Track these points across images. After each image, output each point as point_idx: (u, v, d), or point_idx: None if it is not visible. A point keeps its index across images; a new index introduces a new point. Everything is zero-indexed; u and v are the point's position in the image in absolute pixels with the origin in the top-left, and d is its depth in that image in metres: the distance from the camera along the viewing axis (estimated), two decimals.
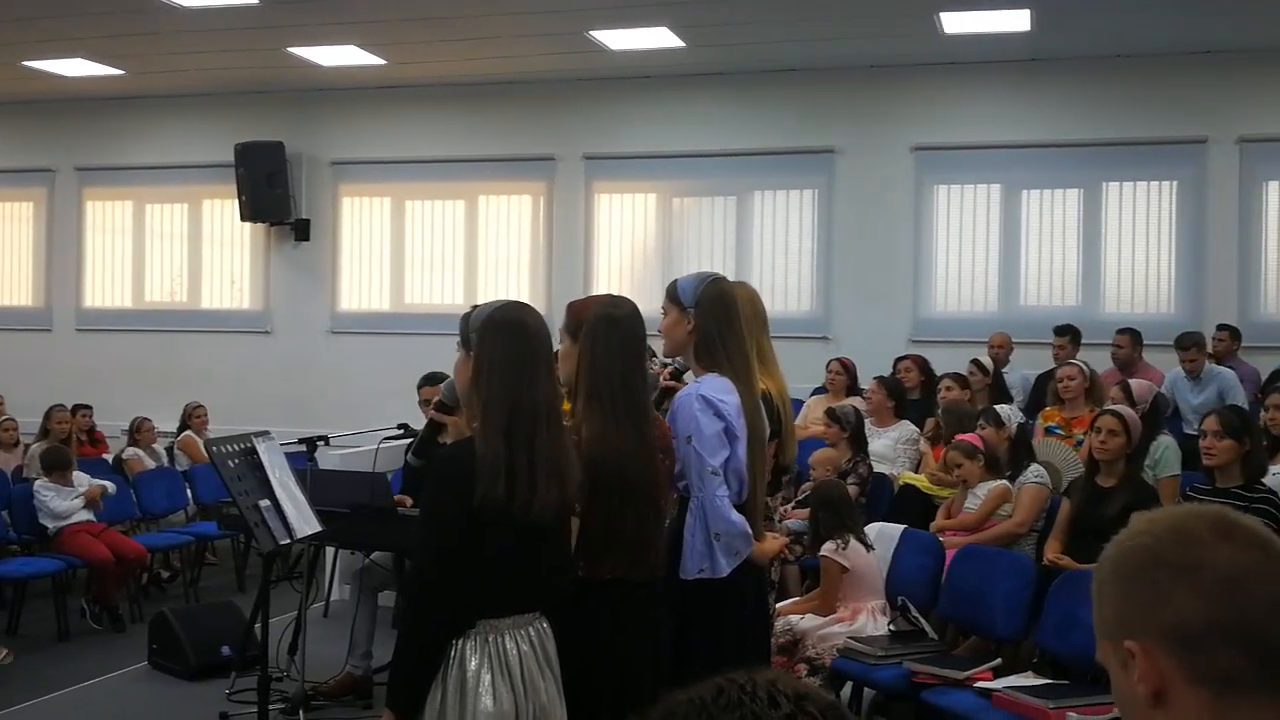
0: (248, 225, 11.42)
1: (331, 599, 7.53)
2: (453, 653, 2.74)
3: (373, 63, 10.14)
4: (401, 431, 6.14)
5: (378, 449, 6.09)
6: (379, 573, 5.99)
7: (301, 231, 11.38)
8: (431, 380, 6.25)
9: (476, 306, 3.00)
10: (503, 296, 3.16)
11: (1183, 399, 8.13)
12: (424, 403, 6.06)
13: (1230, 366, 8.39)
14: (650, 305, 3.65)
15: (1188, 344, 8.16)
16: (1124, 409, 5.71)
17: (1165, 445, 6.26)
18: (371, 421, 7.06)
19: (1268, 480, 5.27)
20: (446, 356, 3.55)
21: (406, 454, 5.25)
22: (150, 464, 9.33)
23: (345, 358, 11.24)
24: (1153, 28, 8.85)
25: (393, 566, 5.91)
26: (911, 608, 5.19)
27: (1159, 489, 5.79)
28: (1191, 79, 9.41)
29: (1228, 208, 9.42)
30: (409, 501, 5.50)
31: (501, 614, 2.79)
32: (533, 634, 2.83)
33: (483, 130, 10.95)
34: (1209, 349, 8.47)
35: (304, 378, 11.24)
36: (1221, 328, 8.85)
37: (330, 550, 7.22)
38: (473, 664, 2.73)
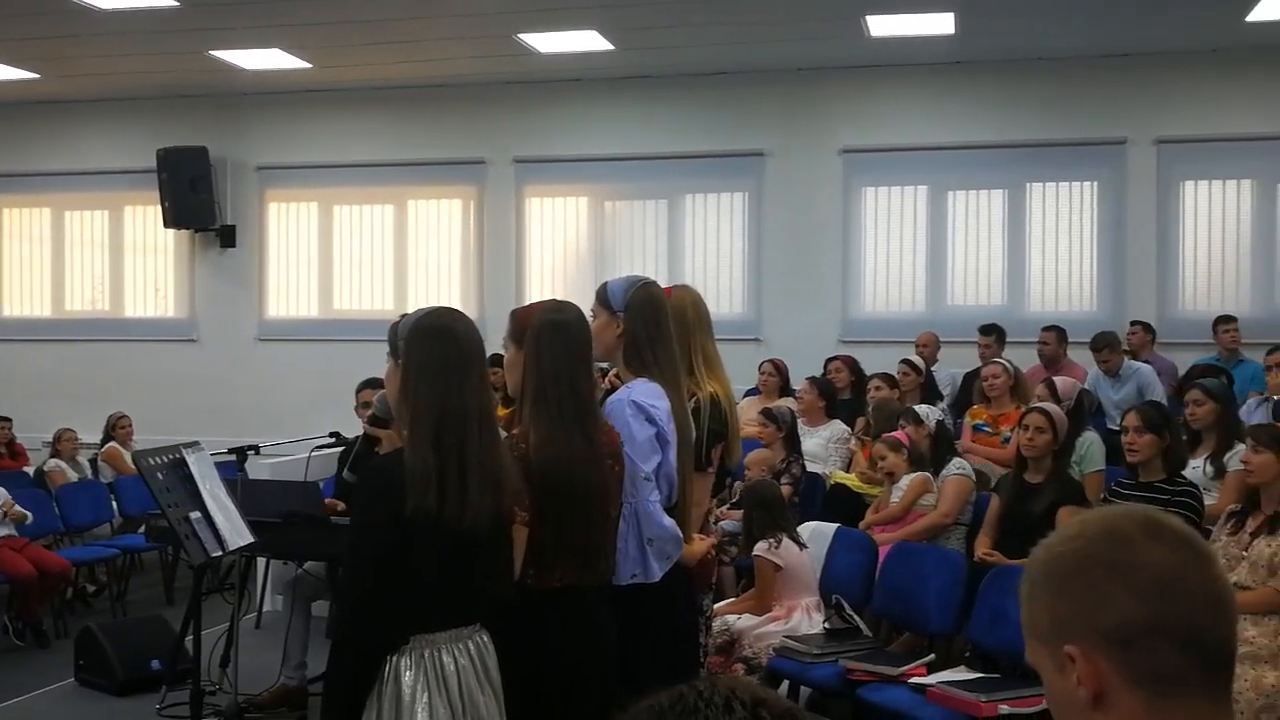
0: (171, 232, 11.24)
1: (264, 610, 7.43)
2: (387, 669, 2.68)
3: (298, 66, 10.03)
4: (333, 440, 6.08)
5: (309, 457, 6.02)
6: (312, 582, 5.93)
7: (227, 238, 11.22)
8: (371, 384, 6.19)
9: (405, 315, 2.96)
10: (434, 302, 3.13)
11: (1104, 395, 8.29)
12: (364, 405, 5.99)
13: (1147, 361, 8.59)
14: (583, 309, 3.64)
15: (1100, 345, 8.33)
16: (1050, 406, 5.82)
17: (1090, 441, 6.38)
18: (302, 430, 6.98)
19: (1188, 473, 5.40)
20: (377, 363, 3.52)
21: (341, 470, 5.19)
22: (73, 476, 9.14)
23: (274, 365, 11.10)
24: (1073, 31, 9.03)
25: (326, 576, 5.85)
26: (846, 605, 5.25)
27: (1085, 484, 5.90)
28: (1110, 82, 9.62)
29: (1146, 207, 9.64)
30: (340, 506, 5.44)
31: (437, 628, 2.74)
32: (471, 648, 2.78)
33: (411, 134, 10.89)
34: (1124, 345, 8.67)
35: (232, 386, 11.09)
36: (1135, 323, 9.07)
37: (262, 561, 7.12)
38: (407, 680, 2.67)
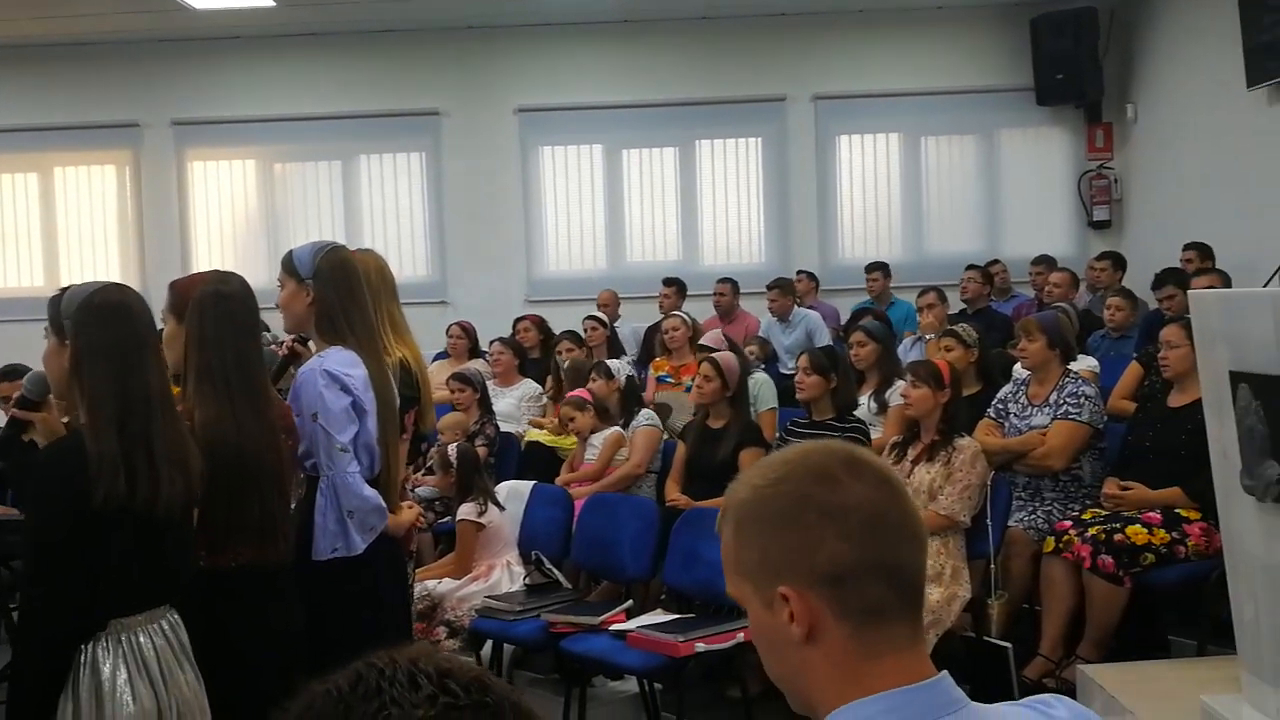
0: None
1: None
2: (83, 658, 2.59)
3: None
4: None
5: None
6: None
7: None
8: (9, 375, 5.72)
9: (66, 288, 2.80)
10: (90, 276, 2.93)
11: (776, 340, 8.76)
12: (2, 400, 5.52)
13: (812, 307, 9.14)
14: (256, 278, 3.48)
15: (772, 286, 8.83)
16: (721, 355, 6.05)
17: (762, 382, 6.71)
18: None
19: (859, 412, 5.78)
20: (28, 343, 3.27)
21: None
22: None
23: None
24: None
25: None
26: (545, 560, 5.31)
27: (760, 422, 6.20)
28: (771, 40, 10.06)
29: (806, 161, 10.19)
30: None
31: (133, 611, 2.67)
32: (165, 627, 2.73)
33: (54, 96, 10.04)
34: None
35: None
36: (800, 272, 9.62)
37: None
38: (106, 667, 2.59)
